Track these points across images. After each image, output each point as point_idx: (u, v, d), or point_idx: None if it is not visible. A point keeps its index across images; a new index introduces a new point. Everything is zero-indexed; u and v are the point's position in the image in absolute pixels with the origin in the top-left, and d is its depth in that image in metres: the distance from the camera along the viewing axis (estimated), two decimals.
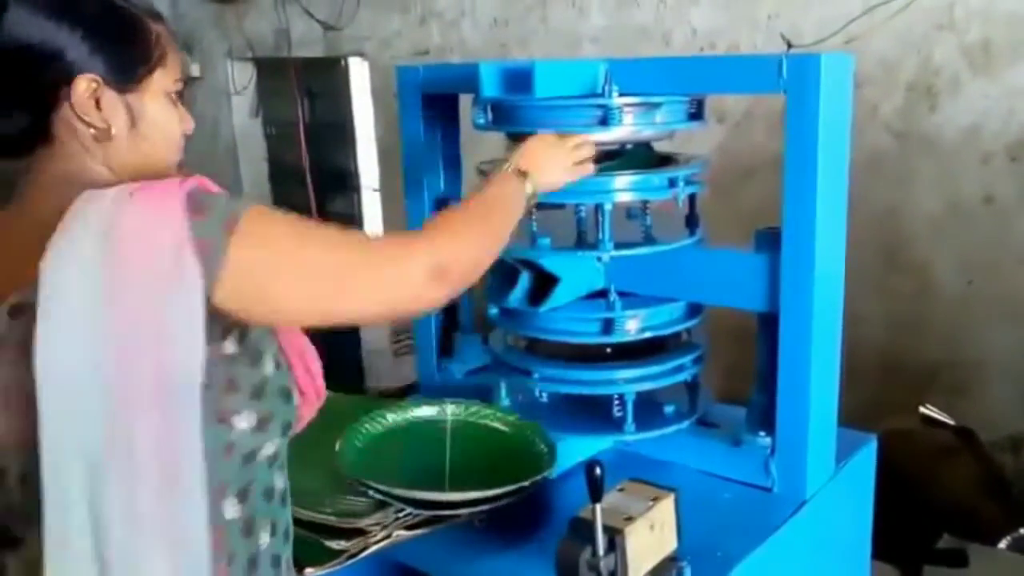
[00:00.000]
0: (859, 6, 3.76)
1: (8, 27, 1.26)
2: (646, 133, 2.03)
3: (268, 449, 1.35)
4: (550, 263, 2.04)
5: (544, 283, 2.06)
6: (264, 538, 1.39)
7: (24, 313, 1.20)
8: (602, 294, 2.13)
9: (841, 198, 1.96)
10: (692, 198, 2.13)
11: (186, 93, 1.47)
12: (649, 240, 2.09)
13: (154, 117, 1.39)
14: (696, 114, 2.07)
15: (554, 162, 1.83)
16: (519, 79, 1.95)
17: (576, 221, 2.22)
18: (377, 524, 1.74)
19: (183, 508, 1.22)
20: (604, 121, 1.95)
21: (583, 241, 2.14)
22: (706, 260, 2.07)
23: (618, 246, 2.01)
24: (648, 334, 2.09)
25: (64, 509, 1.19)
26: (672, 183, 2.01)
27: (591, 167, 1.91)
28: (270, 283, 1.26)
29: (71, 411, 1.17)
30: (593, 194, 1.99)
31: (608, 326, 2.08)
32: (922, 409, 3.37)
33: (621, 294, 2.11)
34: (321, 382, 1.49)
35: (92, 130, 1.32)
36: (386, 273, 1.37)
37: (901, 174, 3.79)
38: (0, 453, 1.24)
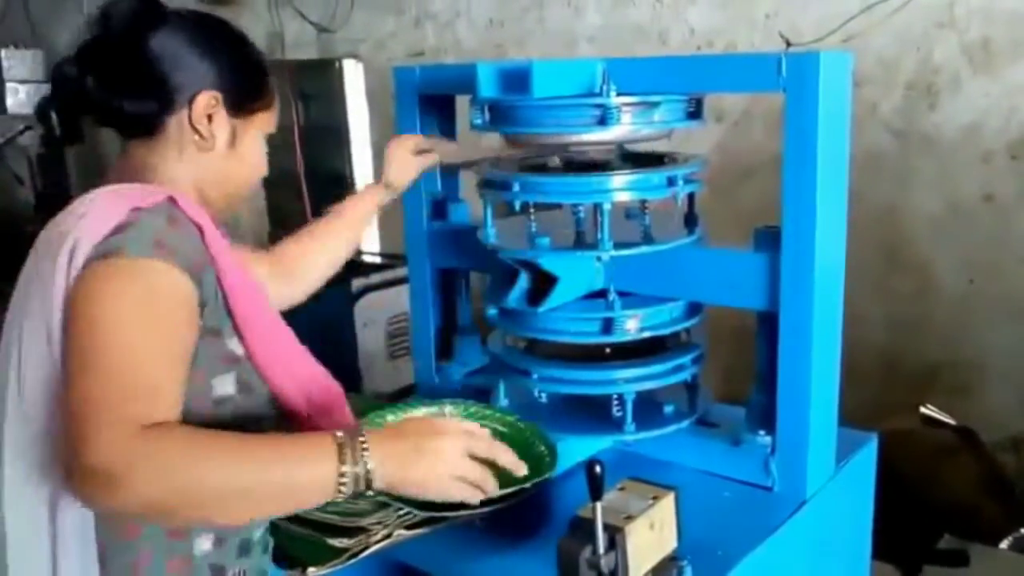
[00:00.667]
0: (858, 4, 3.76)
1: (158, 37, 1.48)
2: (644, 132, 2.01)
3: None
4: (549, 263, 2.03)
5: (543, 283, 2.05)
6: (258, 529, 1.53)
7: None
8: (601, 294, 2.12)
9: (841, 197, 1.96)
10: (691, 197, 2.12)
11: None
12: (648, 239, 2.08)
13: (248, 147, 1.60)
14: (695, 113, 2.06)
15: (429, 449, 1.42)
16: (516, 79, 1.95)
17: (574, 221, 2.22)
18: (379, 523, 1.73)
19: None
20: (602, 121, 1.94)
21: (582, 241, 2.13)
22: (705, 259, 2.06)
23: (617, 246, 2.00)
24: (648, 334, 2.09)
25: None
26: (671, 182, 2.00)
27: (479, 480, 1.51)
28: (71, 328, 1.32)
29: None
30: (592, 194, 1.99)
31: (608, 326, 2.07)
32: (922, 409, 3.37)
33: (620, 294, 2.10)
34: (322, 405, 1.57)
35: (197, 138, 1.51)
36: (71, 440, 1.21)
37: (901, 173, 3.79)
38: None
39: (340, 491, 1.31)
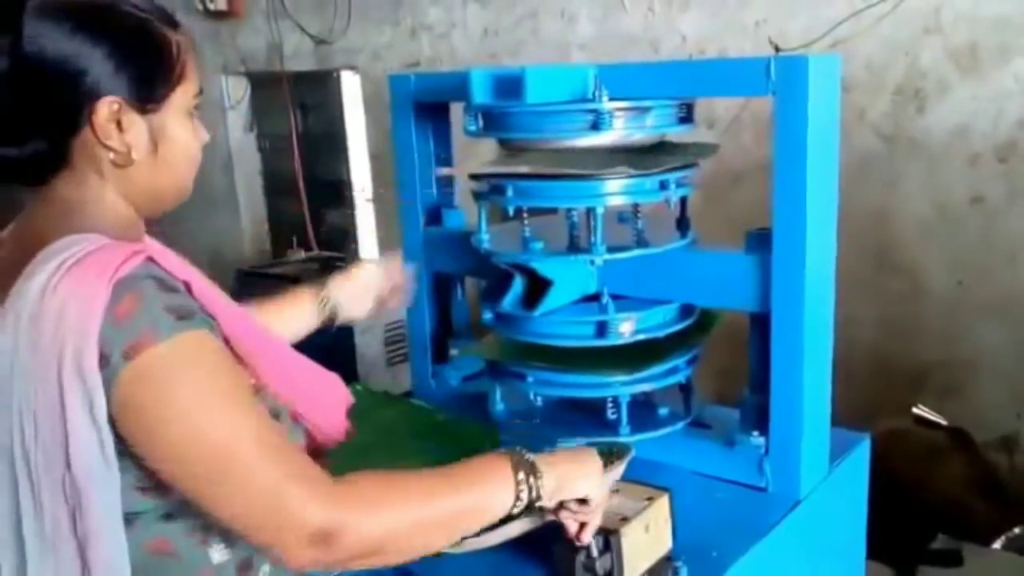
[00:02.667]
0: (846, 10, 3.78)
1: (30, 41, 1.19)
2: (636, 137, 2.03)
3: None
4: (543, 267, 2.04)
5: (538, 287, 2.07)
6: (265, 567, 1.41)
7: None
8: (595, 297, 2.13)
9: (831, 200, 1.97)
10: (683, 201, 2.14)
11: (201, 102, 1.40)
12: (641, 243, 2.09)
13: (175, 137, 1.33)
14: (686, 118, 2.08)
15: (583, 473, 1.54)
16: (510, 85, 1.95)
17: (568, 225, 2.23)
18: None
19: None
20: (595, 126, 1.96)
21: (576, 245, 2.14)
22: (698, 261, 2.07)
23: (610, 249, 2.01)
24: (642, 336, 2.10)
25: (2, 555, 1.22)
26: (663, 186, 2.01)
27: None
28: (150, 438, 1.19)
29: (4, 478, 1.20)
30: (585, 198, 2.00)
31: (602, 329, 2.09)
32: (914, 409, 3.38)
33: (614, 296, 2.11)
34: (337, 422, 1.51)
35: (112, 154, 1.27)
36: (269, 513, 1.20)
37: (890, 177, 3.81)
38: None
39: (517, 503, 1.41)
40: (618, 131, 1.98)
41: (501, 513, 1.41)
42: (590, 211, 2.00)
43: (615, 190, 1.98)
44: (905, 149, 3.77)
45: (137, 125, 1.28)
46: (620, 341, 2.09)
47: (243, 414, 1.22)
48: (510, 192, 2.02)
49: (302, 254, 5.72)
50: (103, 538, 1.20)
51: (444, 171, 2.42)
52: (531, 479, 1.43)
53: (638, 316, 2.09)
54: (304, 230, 6.26)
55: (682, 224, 2.16)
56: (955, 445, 3.24)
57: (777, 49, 3.95)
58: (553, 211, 2.23)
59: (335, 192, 6.51)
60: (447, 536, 1.38)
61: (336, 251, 6.03)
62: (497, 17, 4.99)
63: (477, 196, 2.13)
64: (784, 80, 1.82)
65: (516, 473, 1.41)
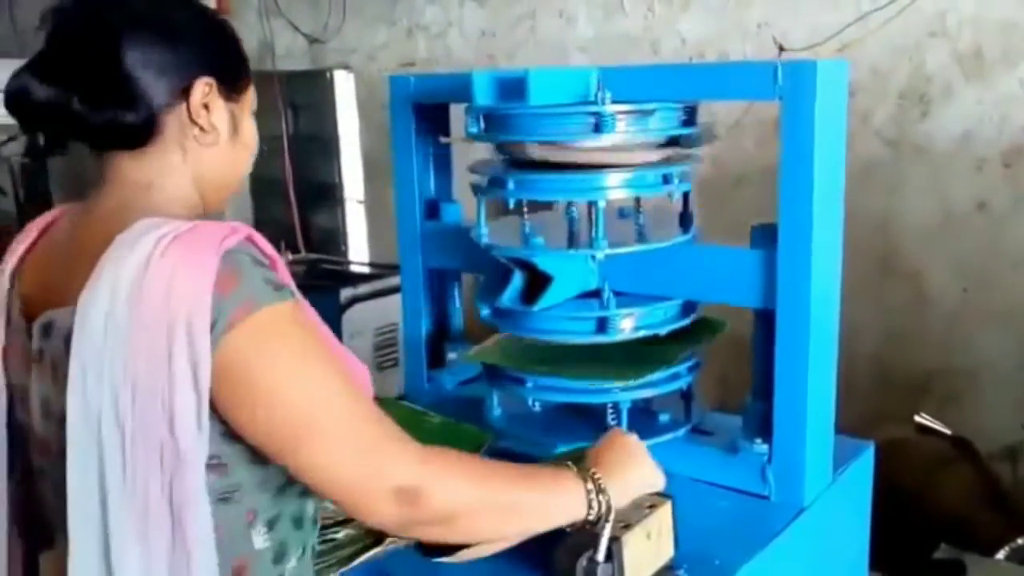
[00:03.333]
0: (851, 14, 3.78)
1: (136, 31, 1.31)
2: (639, 140, 2.01)
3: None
4: (544, 262, 2.02)
5: (537, 282, 2.05)
6: (291, 562, 1.42)
7: (52, 333, 1.28)
8: (596, 293, 2.11)
9: (838, 204, 1.96)
10: (685, 196, 2.12)
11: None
12: (643, 238, 2.07)
13: (247, 128, 1.48)
14: (689, 121, 2.06)
15: (635, 475, 1.63)
16: (512, 87, 1.94)
17: (568, 220, 2.21)
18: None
19: (195, 562, 1.24)
20: (597, 128, 1.94)
21: (576, 240, 2.13)
22: (701, 257, 2.06)
23: (612, 244, 1.99)
24: (643, 332, 2.07)
25: (83, 529, 1.23)
26: (666, 180, 2.00)
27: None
28: (250, 402, 1.24)
29: (91, 449, 1.21)
30: (586, 191, 1.98)
31: (602, 325, 2.06)
32: (917, 418, 3.37)
33: (615, 293, 2.09)
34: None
35: (198, 132, 1.38)
36: (357, 470, 1.28)
37: (894, 182, 3.80)
38: (44, 456, 1.34)
39: (589, 513, 1.51)
40: (621, 134, 1.96)
41: (569, 519, 1.50)
42: (591, 205, 1.98)
43: (617, 183, 1.97)
44: (909, 154, 3.77)
45: (222, 109, 1.40)
46: (621, 337, 2.07)
47: (342, 376, 1.30)
48: (511, 184, 2.00)
49: (290, 256, 5.69)
50: (198, 508, 1.23)
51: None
52: (599, 496, 1.52)
53: (639, 312, 2.07)
54: (293, 232, 6.23)
55: (684, 219, 2.14)
56: (958, 454, 3.23)
57: (781, 49, 3.94)
58: (553, 206, 2.21)
59: (325, 194, 6.49)
60: (517, 527, 1.48)
61: (325, 254, 6.01)
62: (495, 17, 4.98)
63: (476, 189, 2.11)
64: (792, 85, 1.81)
65: (586, 484, 1.51)
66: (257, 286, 1.22)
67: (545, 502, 1.48)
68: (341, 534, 1.78)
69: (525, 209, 2.09)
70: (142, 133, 1.35)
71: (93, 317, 1.19)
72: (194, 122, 1.37)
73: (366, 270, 5.28)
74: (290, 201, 6.29)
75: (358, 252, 6.37)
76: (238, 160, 1.47)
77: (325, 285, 4.90)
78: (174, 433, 1.20)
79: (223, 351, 1.19)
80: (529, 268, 2.06)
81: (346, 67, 5.91)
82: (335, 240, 6.51)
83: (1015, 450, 3.62)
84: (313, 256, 5.81)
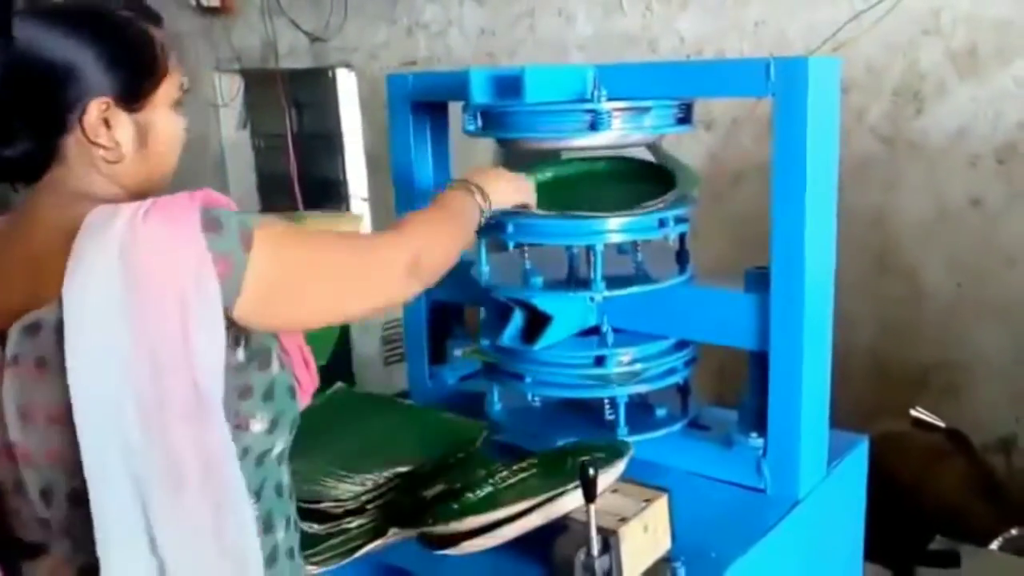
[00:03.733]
0: (846, 12, 3.78)
1: (20, 46, 1.24)
2: (635, 137, 2.03)
3: (278, 447, 1.39)
4: (543, 302, 2.05)
5: (537, 320, 2.07)
6: (280, 532, 1.42)
7: (39, 332, 1.22)
8: (595, 329, 2.15)
9: (830, 200, 1.97)
10: (682, 237, 2.15)
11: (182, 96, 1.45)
12: (640, 278, 2.10)
13: (162, 130, 1.38)
14: (684, 119, 2.08)
15: (503, 182, 1.87)
16: (509, 85, 1.96)
17: (568, 259, 2.23)
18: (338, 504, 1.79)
19: (231, 514, 1.26)
20: (593, 125, 1.96)
21: (575, 280, 2.15)
22: (697, 298, 2.09)
23: (610, 283, 2.02)
24: (639, 366, 2.11)
25: (117, 521, 1.22)
26: (662, 224, 2.02)
27: (532, 193, 1.99)
28: (291, 293, 1.32)
29: (110, 428, 1.19)
30: (584, 235, 2.01)
31: (601, 362, 2.10)
32: (912, 411, 3.38)
33: (614, 329, 2.13)
34: (315, 372, 1.52)
35: (103, 152, 1.31)
36: (383, 273, 1.47)
37: (889, 179, 3.81)
38: (24, 465, 1.26)
39: (482, 214, 1.79)
40: (616, 131, 1.98)
41: (475, 223, 1.77)
42: (590, 248, 2.01)
43: (614, 228, 2.00)
44: (904, 151, 3.77)
45: (124, 123, 1.33)
46: (619, 369, 2.10)
47: (329, 235, 1.46)
48: (510, 228, 2.03)
49: None
50: (228, 459, 1.25)
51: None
52: (483, 197, 1.79)
53: (637, 350, 2.12)
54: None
55: (681, 257, 2.16)
56: (953, 447, 3.24)
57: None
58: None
59: (329, 191, 6.50)
60: (459, 248, 1.69)
61: None
62: (494, 16, 4.99)
63: (477, 231, 2.13)
64: (784, 82, 1.82)
65: (473, 195, 1.78)
66: (236, 217, 1.26)
67: (466, 222, 1.74)
68: (354, 524, 1.80)
69: (525, 248, 2.12)
70: (38, 166, 1.31)
71: (86, 297, 1.18)
72: (94, 143, 1.30)
73: None
74: (295, 197, 6.30)
75: None
76: (154, 165, 1.39)
77: None
78: (199, 389, 1.21)
79: (251, 273, 1.24)
80: (529, 307, 2.09)
81: (348, 65, 5.92)
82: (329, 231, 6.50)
83: (1009, 442, 3.63)
84: None
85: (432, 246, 1.57)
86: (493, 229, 2.05)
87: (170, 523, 1.23)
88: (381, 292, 1.49)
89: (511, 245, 2.08)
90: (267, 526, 1.39)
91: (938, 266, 3.76)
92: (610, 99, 1.96)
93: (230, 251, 1.22)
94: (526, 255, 2.13)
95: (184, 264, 1.19)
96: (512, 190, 1.89)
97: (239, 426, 1.29)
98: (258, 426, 1.32)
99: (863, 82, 3.79)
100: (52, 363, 1.21)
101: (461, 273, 2.22)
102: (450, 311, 2.56)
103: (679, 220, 2.06)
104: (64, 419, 1.20)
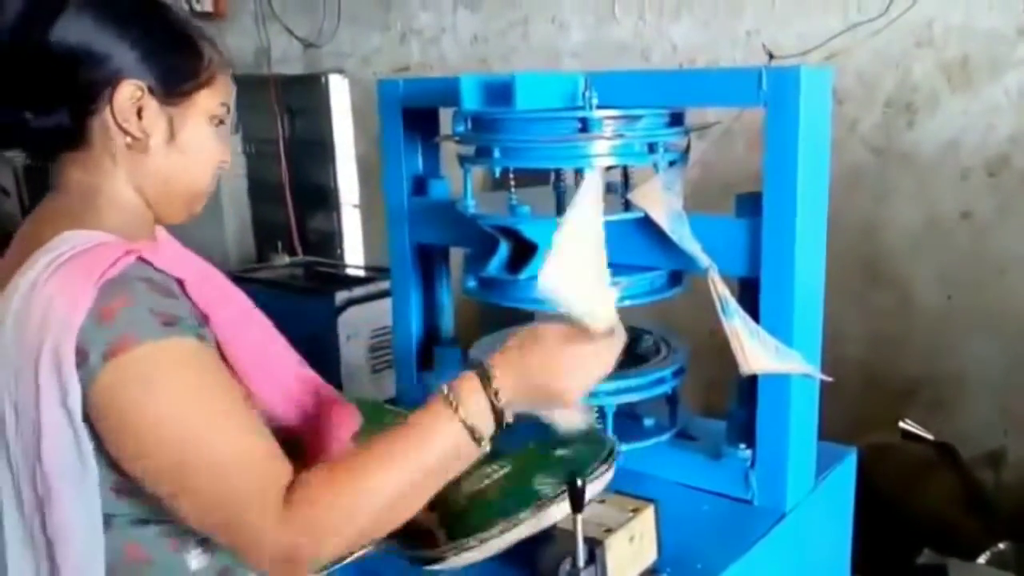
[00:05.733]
0: (839, 23, 3.79)
1: (59, 28, 1.23)
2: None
3: None
4: (529, 230, 2.02)
5: (523, 252, 2.05)
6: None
7: None
8: None
9: (822, 211, 1.97)
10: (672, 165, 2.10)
11: (227, 123, 1.43)
12: (629, 208, 2.05)
13: (193, 136, 1.35)
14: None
15: (556, 369, 1.34)
16: (499, 92, 1.95)
17: (556, 192, 2.21)
18: None
19: None
20: (584, 133, 1.95)
21: (563, 209, 2.13)
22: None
23: None
24: (628, 303, 2.04)
25: None
26: (652, 149, 1.99)
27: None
28: (119, 436, 1.18)
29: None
30: (572, 159, 1.98)
31: None
32: (901, 424, 3.39)
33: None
34: (334, 441, 1.47)
35: (128, 138, 1.29)
36: (228, 518, 1.19)
37: (880, 190, 3.82)
38: None
39: (479, 442, 1.28)
40: (608, 139, 1.97)
41: (468, 458, 1.30)
42: (578, 175, 1.99)
43: (603, 151, 1.96)
44: (896, 162, 3.78)
45: (157, 114, 1.30)
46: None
47: (211, 425, 1.20)
48: (496, 153, 2.00)
49: (286, 259, 5.69)
50: (73, 538, 1.20)
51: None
52: (478, 418, 1.29)
53: (625, 282, 2.06)
54: (289, 235, 6.23)
55: None
56: (942, 460, 3.24)
57: (771, 56, 3.95)
58: (542, 181, 2.22)
59: (321, 197, 6.49)
60: (420, 499, 1.27)
61: (321, 256, 6.01)
62: (487, 23, 4.99)
63: (463, 160, 2.11)
64: (776, 91, 1.82)
65: (456, 410, 1.27)
66: (141, 318, 1.16)
67: (430, 468, 1.26)
68: None
69: (512, 182, 2.09)
70: (57, 139, 1.29)
71: (1, 333, 1.19)
72: (121, 127, 1.28)
73: (361, 273, 5.29)
74: (287, 204, 6.29)
75: (353, 255, 6.38)
76: (181, 171, 1.36)
77: (321, 288, 4.93)
78: (42, 464, 1.17)
79: (100, 382, 1.15)
80: (515, 237, 2.06)
81: (340, 72, 5.92)
82: (331, 243, 6.50)
83: (998, 455, 3.63)
84: (310, 259, 5.81)
85: (341, 524, 1.19)
86: (480, 156, 2.03)
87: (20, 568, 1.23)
88: (234, 544, 1.21)
89: (497, 171, 2.04)
90: (225, 572, 1.36)
91: (928, 278, 3.77)
92: (601, 107, 1.94)
93: (92, 347, 1.15)
94: (512, 189, 2.09)
95: (48, 341, 1.14)
96: (546, 396, 1.36)
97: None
98: None
99: (855, 93, 3.80)
100: None
101: (444, 212, 2.23)
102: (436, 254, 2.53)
103: (668, 148, 2.03)
104: None
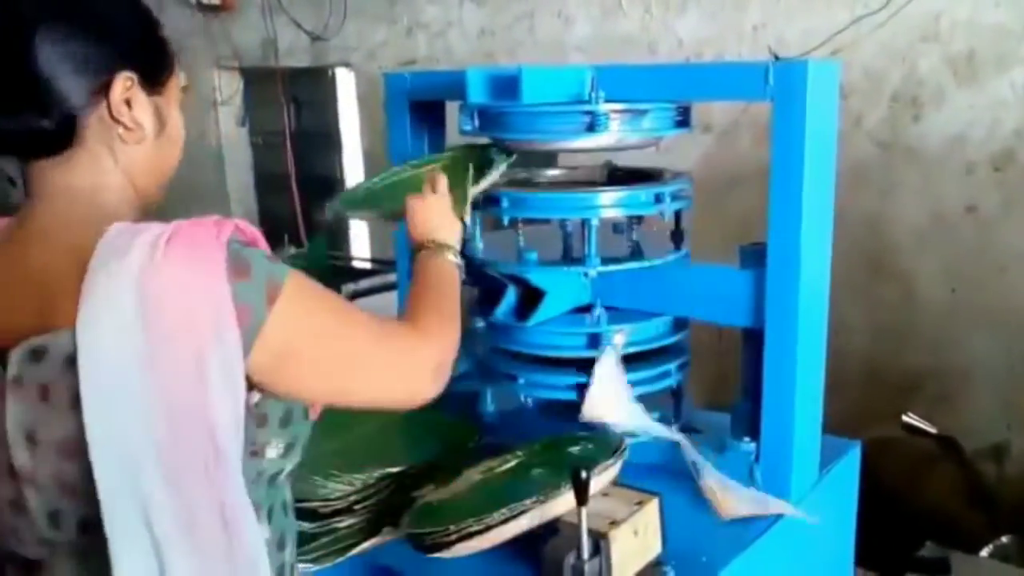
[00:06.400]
0: (845, 17, 3.79)
1: (41, 35, 1.22)
2: (632, 139, 2.02)
3: (288, 467, 1.37)
4: (537, 278, 2.05)
5: (531, 297, 2.07)
6: (288, 548, 1.42)
7: (44, 358, 1.17)
8: (588, 308, 2.13)
9: (827, 205, 1.97)
10: (678, 214, 2.14)
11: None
12: (635, 255, 2.10)
13: (174, 120, 1.40)
14: (683, 121, 2.07)
15: (447, 219, 1.81)
16: (506, 85, 1.95)
17: (562, 235, 2.23)
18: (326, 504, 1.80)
19: (248, 568, 1.23)
20: (591, 127, 1.95)
21: (569, 256, 2.14)
22: (691, 276, 2.08)
23: (604, 261, 2.01)
24: (633, 348, 2.10)
25: (130, 557, 1.18)
26: (659, 199, 2.01)
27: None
28: (299, 364, 1.28)
29: (128, 474, 1.16)
30: (579, 210, 2.00)
31: (594, 340, 2.09)
32: (905, 417, 3.38)
33: (607, 308, 2.11)
34: None
35: (123, 130, 1.30)
36: (401, 371, 1.43)
37: (885, 184, 3.82)
38: (27, 486, 1.21)
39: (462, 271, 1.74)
40: (614, 133, 1.97)
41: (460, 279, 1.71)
42: (585, 222, 2.00)
43: (609, 203, 1.99)
44: (901, 157, 3.78)
45: (145, 104, 1.32)
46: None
47: (355, 309, 1.41)
48: (505, 203, 2.03)
49: (293, 251, 5.70)
50: (249, 521, 1.23)
51: None
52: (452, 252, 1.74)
53: (630, 328, 2.10)
54: (295, 227, 6.24)
55: (676, 236, 2.16)
56: (945, 454, 3.25)
57: (776, 58, 3.95)
58: (548, 221, 2.23)
59: (327, 189, 6.49)
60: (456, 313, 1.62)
61: (328, 249, 6.01)
62: (494, 17, 4.99)
63: (472, 206, 2.12)
64: (783, 85, 1.82)
65: (447, 255, 1.73)
66: (267, 265, 1.23)
67: (458, 296, 1.66)
68: (343, 524, 1.80)
69: (520, 224, 2.11)
70: (62, 138, 1.28)
71: (102, 336, 1.13)
72: (116, 120, 1.29)
73: (367, 265, 5.30)
74: (293, 196, 6.30)
75: (360, 248, 6.39)
76: (167, 155, 1.40)
77: (328, 280, 4.91)
78: (216, 443, 1.17)
79: (272, 327, 1.21)
80: (523, 283, 2.08)
81: (347, 65, 5.92)
82: (337, 235, 6.52)
83: (1000, 449, 3.63)
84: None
85: (452, 345, 1.52)
86: (489, 204, 2.06)
87: (184, 572, 1.20)
88: (404, 388, 1.44)
89: (506, 220, 2.07)
90: (280, 545, 1.39)
91: (933, 272, 3.77)
92: (608, 101, 1.95)
93: (252, 300, 1.19)
94: (520, 232, 2.12)
95: (205, 314, 1.15)
96: (451, 223, 1.82)
97: (255, 453, 1.28)
98: (273, 452, 1.31)
99: (861, 87, 3.80)
100: (59, 393, 1.16)
101: None
102: None
103: (675, 197, 2.05)
104: (78, 453, 1.15)
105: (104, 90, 1.27)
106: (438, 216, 1.80)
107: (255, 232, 1.30)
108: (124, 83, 1.28)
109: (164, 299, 1.14)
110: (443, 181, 1.84)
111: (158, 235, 1.17)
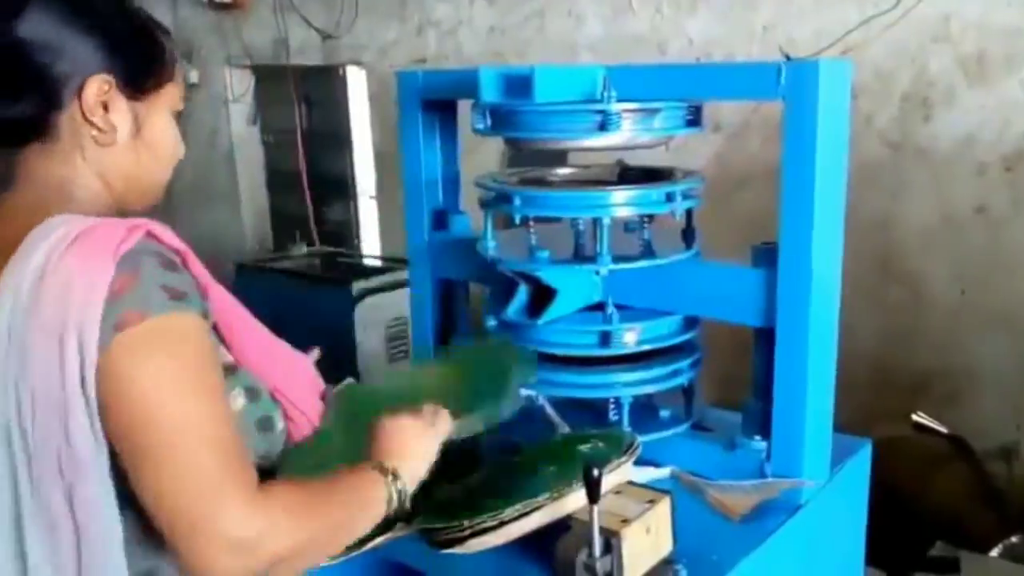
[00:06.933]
0: (855, 17, 3.79)
1: (25, 23, 1.25)
2: (644, 139, 2.03)
3: (270, 414, 1.39)
4: (548, 276, 2.05)
5: (542, 295, 2.07)
6: None
7: None
8: (600, 306, 2.13)
9: (839, 205, 1.97)
10: (689, 212, 2.14)
11: (180, 119, 1.47)
12: (647, 254, 2.10)
13: (159, 130, 1.40)
14: (694, 121, 2.07)
15: (421, 453, 1.56)
16: (519, 84, 1.95)
17: (574, 234, 2.23)
18: None
19: (101, 563, 1.23)
20: (603, 126, 1.96)
21: (581, 254, 2.15)
22: (703, 274, 2.08)
23: (616, 259, 2.02)
24: (645, 347, 2.10)
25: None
26: (670, 198, 2.01)
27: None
28: (112, 404, 1.19)
29: (4, 460, 1.21)
30: (591, 209, 2.01)
31: (606, 339, 2.09)
32: (914, 417, 3.39)
33: (618, 306, 2.11)
34: (312, 405, 1.53)
35: (96, 132, 1.32)
36: (198, 512, 1.19)
37: (895, 184, 3.82)
38: None
39: (390, 506, 1.45)
40: (626, 132, 1.98)
41: (375, 520, 1.44)
42: (596, 221, 2.01)
43: (621, 201, 1.99)
44: (911, 157, 3.78)
45: (123, 108, 1.34)
46: (623, 351, 2.09)
47: (202, 405, 1.22)
48: (517, 201, 2.03)
49: (304, 248, 5.72)
50: (99, 515, 1.21)
51: None
52: (396, 486, 1.46)
53: (642, 326, 2.10)
54: (307, 225, 6.26)
55: (688, 235, 2.16)
56: (954, 453, 3.25)
57: (788, 58, 3.95)
58: (559, 220, 2.23)
59: (338, 188, 6.52)
60: (348, 539, 1.43)
61: (338, 247, 6.03)
62: (504, 15, 5.00)
63: (483, 204, 2.13)
64: (795, 85, 1.82)
65: (386, 479, 1.46)
66: (150, 292, 1.19)
67: (356, 516, 1.42)
68: None
69: (532, 222, 2.11)
70: (34, 129, 1.31)
71: (1, 320, 1.18)
72: (88, 121, 1.31)
73: (378, 263, 5.31)
74: (304, 194, 6.31)
75: (370, 245, 6.40)
76: (146, 163, 1.39)
77: (338, 278, 4.95)
78: (70, 442, 1.18)
79: (107, 354, 1.16)
80: (534, 281, 2.08)
81: (358, 63, 5.93)
82: (348, 233, 6.53)
83: (1010, 450, 3.64)
84: (328, 249, 5.83)
85: (292, 548, 1.24)
86: (499, 202, 2.06)
87: (41, 554, 1.22)
88: (188, 535, 1.19)
89: (517, 219, 2.07)
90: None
91: (942, 273, 3.77)
92: (620, 100, 1.95)
93: (106, 319, 1.16)
94: (532, 231, 2.12)
95: (72, 319, 1.15)
96: (425, 459, 1.57)
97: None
98: (240, 401, 1.33)
99: (872, 88, 3.80)
100: None
101: (466, 249, 2.24)
102: (456, 295, 2.55)
103: (687, 195, 2.05)
104: None
105: (79, 90, 1.29)
106: (410, 445, 1.55)
107: (180, 246, 1.28)
108: (101, 85, 1.30)
109: (47, 299, 1.16)
110: (438, 417, 1.64)
111: (63, 235, 1.20)
